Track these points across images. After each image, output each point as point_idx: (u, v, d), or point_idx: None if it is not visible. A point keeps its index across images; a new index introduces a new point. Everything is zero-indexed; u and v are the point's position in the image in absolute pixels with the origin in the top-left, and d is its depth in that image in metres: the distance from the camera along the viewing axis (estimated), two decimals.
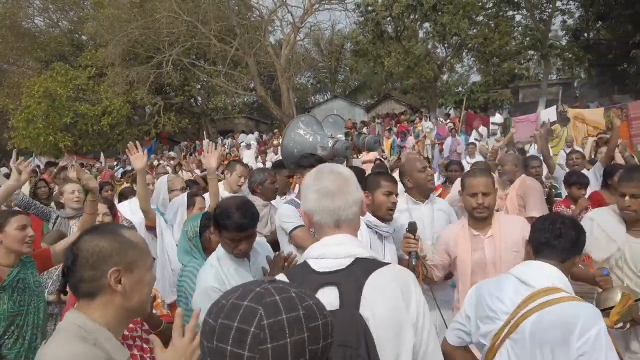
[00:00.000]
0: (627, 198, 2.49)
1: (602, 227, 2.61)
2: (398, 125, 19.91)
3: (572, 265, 1.91)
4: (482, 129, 15.12)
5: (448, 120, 16.86)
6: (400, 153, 12.19)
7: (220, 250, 2.37)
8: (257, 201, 3.80)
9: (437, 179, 7.08)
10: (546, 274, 1.81)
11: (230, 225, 2.23)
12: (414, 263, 2.68)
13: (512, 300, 1.79)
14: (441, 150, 14.27)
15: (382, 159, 8.24)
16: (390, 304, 1.34)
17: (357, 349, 1.24)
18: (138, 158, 3.49)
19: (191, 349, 1.33)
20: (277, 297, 0.88)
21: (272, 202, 4.07)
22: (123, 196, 5.68)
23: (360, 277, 1.36)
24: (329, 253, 1.43)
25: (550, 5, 22.09)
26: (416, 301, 1.37)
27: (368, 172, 4.03)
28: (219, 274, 2.26)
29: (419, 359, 1.35)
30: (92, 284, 1.37)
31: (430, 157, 14.28)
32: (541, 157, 5.43)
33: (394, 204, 2.84)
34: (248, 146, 18.25)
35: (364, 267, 1.39)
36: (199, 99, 30.41)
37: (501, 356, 1.80)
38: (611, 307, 2.32)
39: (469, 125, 15.64)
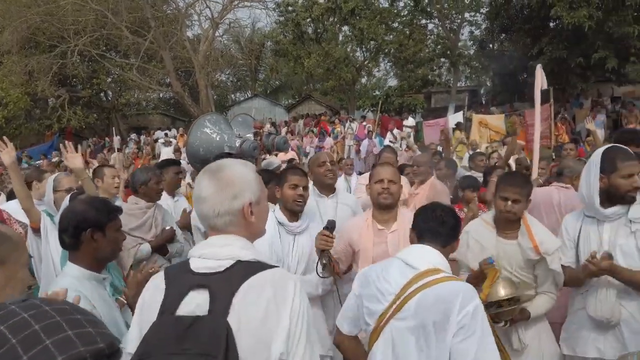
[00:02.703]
0: (509, 202, 2.61)
1: (475, 238, 2.75)
2: (317, 125, 20.17)
3: (451, 249, 2.06)
4: (396, 132, 15.71)
5: (365, 123, 17.32)
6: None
7: (73, 270, 2.01)
8: (140, 203, 3.54)
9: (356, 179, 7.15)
10: (428, 256, 1.93)
11: (118, 213, 2.15)
12: (324, 261, 2.67)
13: (398, 282, 1.89)
14: (358, 151, 14.64)
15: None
16: (259, 313, 1.29)
17: (215, 357, 1.20)
18: (6, 153, 3.30)
19: None
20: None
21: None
22: (14, 196, 5.25)
23: (235, 282, 1.31)
24: (210, 253, 1.38)
25: (460, 16, 23.50)
26: (292, 309, 1.32)
27: None
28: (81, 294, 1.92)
29: None
30: None
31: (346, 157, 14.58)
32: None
33: (301, 196, 2.89)
34: (167, 143, 17.43)
35: (242, 271, 1.34)
36: (110, 93, 28.68)
37: (385, 336, 1.87)
38: (496, 301, 2.45)
39: (385, 128, 16.17)
